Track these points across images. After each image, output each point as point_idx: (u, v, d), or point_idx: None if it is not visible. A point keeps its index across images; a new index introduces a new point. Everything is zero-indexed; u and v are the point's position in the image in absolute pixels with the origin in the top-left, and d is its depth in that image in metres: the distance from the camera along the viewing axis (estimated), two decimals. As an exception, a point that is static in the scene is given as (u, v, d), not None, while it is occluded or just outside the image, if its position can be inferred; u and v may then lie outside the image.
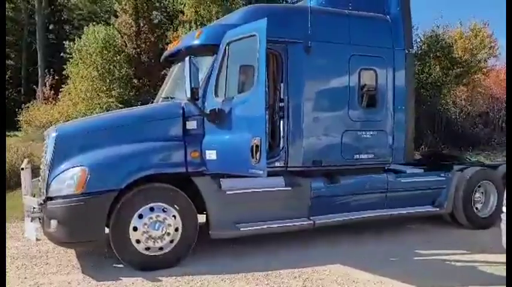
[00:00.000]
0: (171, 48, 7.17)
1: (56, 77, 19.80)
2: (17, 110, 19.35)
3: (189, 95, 5.45)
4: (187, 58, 5.46)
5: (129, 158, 5.35)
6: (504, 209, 5.25)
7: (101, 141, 5.41)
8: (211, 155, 5.56)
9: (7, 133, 18.58)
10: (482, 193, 7.62)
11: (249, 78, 5.31)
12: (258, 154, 5.01)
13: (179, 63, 6.70)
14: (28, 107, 18.98)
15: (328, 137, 6.42)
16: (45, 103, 18.67)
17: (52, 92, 19.39)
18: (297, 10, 6.66)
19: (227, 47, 5.62)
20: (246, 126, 5.26)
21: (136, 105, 11.15)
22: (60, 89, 18.20)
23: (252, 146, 5.05)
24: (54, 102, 18.35)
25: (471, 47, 15.33)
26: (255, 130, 5.10)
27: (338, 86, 6.48)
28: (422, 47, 15.50)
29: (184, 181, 5.56)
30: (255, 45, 5.13)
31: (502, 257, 5.12)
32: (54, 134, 5.43)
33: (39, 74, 25.46)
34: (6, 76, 27.31)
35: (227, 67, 5.60)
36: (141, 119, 5.88)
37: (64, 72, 17.87)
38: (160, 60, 7.77)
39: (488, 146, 16.14)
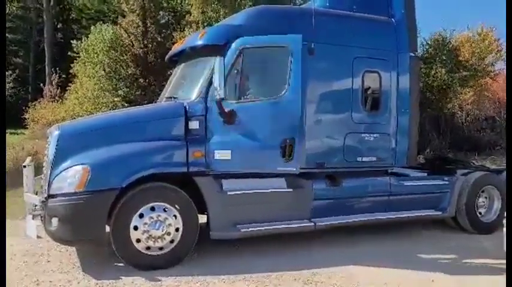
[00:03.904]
0: (175, 48, 7.19)
1: (63, 76, 19.93)
2: (24, 108, 19.51)
3: (222, 95, 5.46)
4: (218, 58, 5.50)
5: (131, 157, 5.37)
6: (508, 214, 5.22)
7: (103, 140, 5.43)
8: (223, 155, 5.62)
9: (14, 131, 18.79)
10: (486, 197, 7.55)
11: (278, 83, 5.78)
12: (291, 152, 5.63)
13: (183, 64, 6.73)
14: (35, 105, 19.12)
15: (331, 139, 6.41)
16: (52, 101, 18.81)
17: (58, 90, 19.52)
18: (301, 12, 6.65)
19: (242, 52, 5.67)
20: (279, 127, 5.73)
21: (142, 105, 11.18)
22: (67, 88, 18.31)
23: (285, 146, 5.56)
24: (60, 100, 18.48)
25: (478, 50, 15.23)
26: (289, 131, 5.67)
27: (341, 88, 6.47)
28: (429, 50, 15.43)
29: (186, 181, 5.57)
30: (286, 55, 5.71)
31: (504, 263, 5.09)
32: (56, 133, 5.45)
33: (47, 72, 25.64)
34: (15, 74, 27.55)
35: (241, 71, 5.66)
36: (144, 118, 5.89)
37: (71, 71, 17.99)
38: (165, 60, 7.79)
39: (494, 151, 16.01)
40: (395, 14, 6.90)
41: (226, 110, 5.58)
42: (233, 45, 5.74)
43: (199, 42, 6.13)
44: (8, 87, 25.17)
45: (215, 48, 5.84)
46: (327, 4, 6.75)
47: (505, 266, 4.92)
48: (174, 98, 6.35)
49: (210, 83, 5.74)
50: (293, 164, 5.73)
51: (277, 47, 5.77)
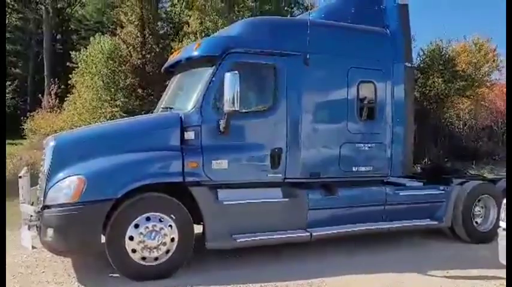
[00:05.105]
0: (171, 58, 7.23)
1: (62, 87, 19.98)
2: (23, 118, 19.54)
3: (237, 108, 5.48)
4: (228, 73, 5.46)
5: (126, 168, 5.37)
6: (501, 223, 5.22)
7: (99, 150, 5.43)
8: (220, 165, 5.68)
9: (13, 141, 18.80)
10: (482, 207, 7.54)
11: (267, 96, 6.12)
12: (279, 161, 5.98)
13: (179, 74, 6.77)
14: (33, 115, 19.16)
15: (327, 149, 6.44)
16: (50, 112, 18.86)
17: (57, 101, 19.57)
18: (296, 23, 6.71)
19: (234, 66, 5.70)
20: (268, 138, 6.01)
21: (140, 115, 11.21)
22: (66, 98, 18.37)
23: (274, 156, 5.87)
24: (59, 111, 18.53)
25: (475, 60, 15.34)
26: (277, 141, 6.01)
27: (337, 99, 6.51)
28: (425, 60, 15.53)
29: (181, 191, 5.57)
30: (271, 72, 6.05)
31: (500, 273, 5.09)
32: (52, 143, 5.47)
33: (46, 83, 25.72)
34: (14, 85, 27.62)
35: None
36: (139, 128, 5.92)
37: (70, 82, 18.05)
38: (162, 71, 7.83)
39: (492, 160, 16.04)
40: (390, 24, 6.97)
41: (223, 121, 5.61)
42: (226, 59, 5.81)
43: (195, 53, 6.18)
44: (7, 97, 25.22)
45: (210, 59, 5.89)
46: (323, 15, 6.82)
47: (502, 275, 4.92)
48: (170, 108, 6.37)
49: (206, 93, 5.77)
50: (279, 172, 6.03)
51: (266, 65, 6.05)
